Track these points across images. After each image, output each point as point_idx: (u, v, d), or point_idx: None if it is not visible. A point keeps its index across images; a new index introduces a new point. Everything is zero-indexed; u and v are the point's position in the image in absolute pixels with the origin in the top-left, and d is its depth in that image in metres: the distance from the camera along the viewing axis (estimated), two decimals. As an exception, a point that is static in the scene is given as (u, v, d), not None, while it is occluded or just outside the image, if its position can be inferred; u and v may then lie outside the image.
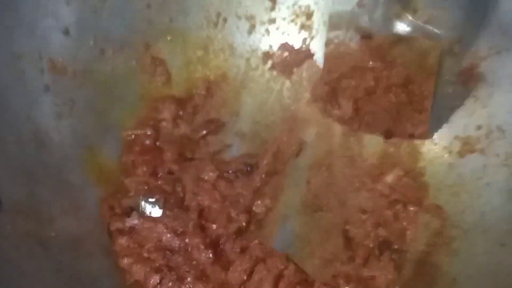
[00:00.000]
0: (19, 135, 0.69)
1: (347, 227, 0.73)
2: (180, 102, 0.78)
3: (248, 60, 0.79)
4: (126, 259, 0.68)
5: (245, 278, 0.69)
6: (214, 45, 0.78)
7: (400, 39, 0.69)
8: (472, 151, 0.72)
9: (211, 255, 0.69)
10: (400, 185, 0.73)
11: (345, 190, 0.75)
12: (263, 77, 0.79)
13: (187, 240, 0.70)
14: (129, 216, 0.71)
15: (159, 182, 0.74)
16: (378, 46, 0.69)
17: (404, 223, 0.72)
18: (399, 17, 0.69)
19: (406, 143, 0.74)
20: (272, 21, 0.77)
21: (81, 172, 0.74)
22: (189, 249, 0.70)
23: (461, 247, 0.70)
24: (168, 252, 0.70)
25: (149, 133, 0.75)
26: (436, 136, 0.74)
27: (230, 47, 0.78)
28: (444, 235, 0.71)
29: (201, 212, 0.73)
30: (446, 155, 0.73)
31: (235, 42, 0.78)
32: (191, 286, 0.68)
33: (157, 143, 0.76)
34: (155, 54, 0.78)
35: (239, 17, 0.77)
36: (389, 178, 0.74)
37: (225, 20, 0.77)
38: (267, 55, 0.78)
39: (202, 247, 0.69)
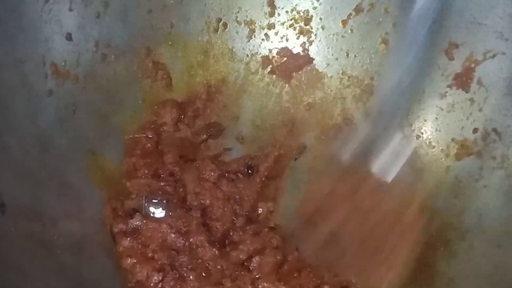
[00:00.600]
0: (23, 139, 0.70)
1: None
2: (181, 106, 0.79)
3: (247, 64, 0.80)
4: (129, 259, 0.69)
5: (244, 258, 0.69)
6: (214, 50, 0.79)
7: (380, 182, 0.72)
8: (469, 154, 0.73)
9: (216, 252, 0.70)
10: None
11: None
12: (262, 81, 0.80)
13: (191, 240, 0.70)
14: (132, 218, 0.71)
15: (161, 184, 0.74)
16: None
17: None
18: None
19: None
20: (271, 26, 0.78)
21: (84, 175, 0.74)
22: (194, 247, 0.70)
23: (458, 249, 0.71)
24: (173, 251, 0.70)
25: (150, 136, 0.76)
26: (433, 139, 0.74)
27: (230, 52, 0.79)
28: (442, 237, 0.72)
29: (204, 211, 0.73)
30: (443, 158, 0.74)
31: (235, 46, 0.79)
32: (194, 284, 0.69)
33: (159, 147, 0.77)
34: (156, 59, 0.79)
35: (239, 22, 0.78)
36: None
37: (225, 25, 0.78)
38: (266, 60, 0.79)
39: (207, 244, 0.70)
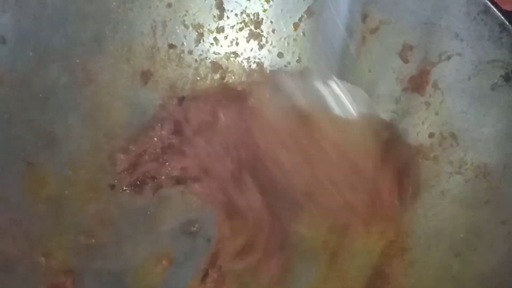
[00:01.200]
0: (-50, 149, 0.65)
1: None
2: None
3: (196, 69, 0.76)
4: None
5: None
6: (160, 55, 0.75)
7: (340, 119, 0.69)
8: (426, 159, 0.71)
9: None
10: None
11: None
12: (212, 88, 0.76)
13: None
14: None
15: None
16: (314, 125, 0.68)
17: None
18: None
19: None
20: (221, 29, 0.75)
21: (20, 187, 0.70)
22: None
23: (416, 258, 0.69)
24: None
25: None
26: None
27: (178, 57, 0.75)
28: (399, 246, 0.70)
29: None
30: (399, 164, 0.71)
31: (184, 51, 0.75)
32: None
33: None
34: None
35: (186, 26, 0.75)
36: None
37: (172, 29, 0.75)
38: (215, 65, 0.76)
39: None
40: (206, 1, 0.75)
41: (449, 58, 0.68)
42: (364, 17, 0.71)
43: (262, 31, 0.75)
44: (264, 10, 0.74)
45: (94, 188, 0.74)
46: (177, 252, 0.74)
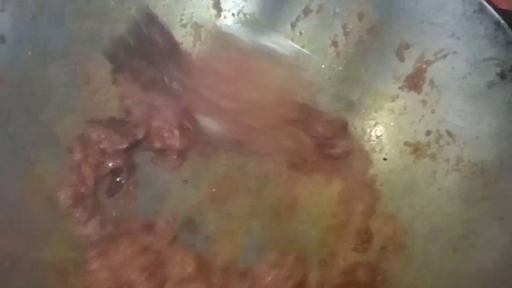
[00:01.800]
0: (-51, 147, 0.65)
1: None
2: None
3: (194, 69, 0.76)
4: None
5: None
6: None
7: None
8: (423, 157, 0.71)
9: None
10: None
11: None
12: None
13: None
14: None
15: None
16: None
17: None
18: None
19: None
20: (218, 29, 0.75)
21: (20, 186, 0.70)
22: None
23: (414, 254, 0.69)
24: None
25: None
26: (385, 142, 0.73)
27: (175, 56, 0.76)
28: (397, 242, 0.70)
29: None
30: (397, 162, 0.72)
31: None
32: None
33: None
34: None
35: (184, 26, 0.75)
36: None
37: (169, 29, 0.75)
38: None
39: None
40: (203, 1, 0.75)
41: (445, 56, 0.69)
42: (361, 16, 0.71)
43: (259, 30, 0.75)
44: (261, 10, 0.74)
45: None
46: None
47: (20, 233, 0.69)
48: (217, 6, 0.75)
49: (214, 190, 0.73)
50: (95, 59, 0.74)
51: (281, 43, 0.69)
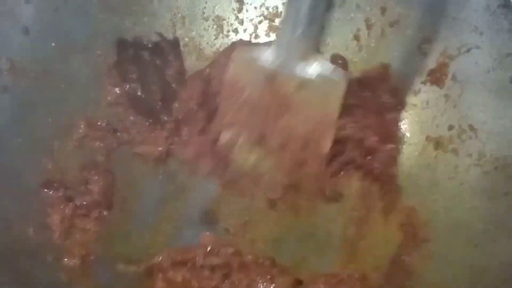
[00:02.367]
0: (-26, 137, 0.66)
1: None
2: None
3: (216, 62, 0.77)
4: None
5: None
6: (180, 48, 0.76)
7: (305, 81, 0.69)
8: (445, 152, 0.71)
9: None
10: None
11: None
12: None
13: None
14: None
15: None
16: (281, 88, 0.69)
17: None
18: (305, 58, 0.68)
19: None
20: (240, 22, 0.76)
21: (41, 176, 0.71)
22: None
23: (434, 249, 0.69)
24: None
25: None
26: (407, 137, 0.72)
27: (197, 49, 0.76)
28: (418, 237, 0.70)
29: None
30: (418, 157, 0.72)
31: (202, 44, 0.76)
32: None
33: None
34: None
35: (206, 19, 0.75)
36: None
37: (191, 22, 0.75)
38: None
39: None
40: (226, -6, 0.76)
41: (468, 51, 0.68)
42: (383, 10, 0.71)
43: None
44: (284, 3, 0.74)
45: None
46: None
47: (35, 222, 0.69)
48: (239, 0, 0.75)
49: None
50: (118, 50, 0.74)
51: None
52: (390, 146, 0.72)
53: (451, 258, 0.68)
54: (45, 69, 0.72)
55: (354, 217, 0.72)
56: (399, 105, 0.72)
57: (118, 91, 0.74)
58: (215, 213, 0.74)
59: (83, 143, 0.74)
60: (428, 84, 0.71)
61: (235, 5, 0.75)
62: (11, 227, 0.67)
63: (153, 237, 0.75)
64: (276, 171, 0.71)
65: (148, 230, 0.75)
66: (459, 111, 0.70)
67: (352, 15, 0.73)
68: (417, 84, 0.72)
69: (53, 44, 0.72)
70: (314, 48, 0.70)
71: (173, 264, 0.71)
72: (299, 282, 0.71)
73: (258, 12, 0.75)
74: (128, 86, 0.74)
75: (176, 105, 0.74)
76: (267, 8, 0.75)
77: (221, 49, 0.76)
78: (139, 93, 0.74)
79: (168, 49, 0.74)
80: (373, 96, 0.72)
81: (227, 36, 0.76)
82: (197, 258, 0.71)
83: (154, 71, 0.74)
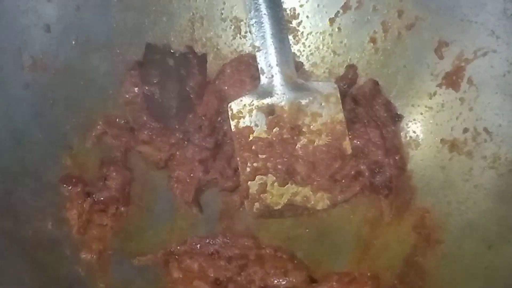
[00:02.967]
0: (-3, 132, 0.67)
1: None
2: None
3: (233, 62, 0.77)
4: None
5: None
6: (198, 47, 0.77)
7: (301, 102, 0.71)
8: (459, 154, 0.71)
9: None
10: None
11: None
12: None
13: None
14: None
15: None
16: (284, 115, 0.71)
17: None
18: (292, 80, 0.70)
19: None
20: (257, 23, 0.76)
21: (60, 171, 0.72)
22: None
23: (448, 249, 0.70)
24: None
25: None
26: (422, 139, 0.73)
27: (214, 49, 0.77)
28: (431, 238, 0.71)
29: None
30: (433, 159, 0.73)
31: (220, 44, 0.77)
32: None
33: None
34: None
35: (223, 20, 0.76)
36: None
37: (209, 22, 0.76)
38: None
39: None
40: (244, -5, 0.76)
41: (484, 54, 0.69)
42: (400, 13, 0.71)
43: (299, 25, 0.76)
44: (301, 5, 0.75)
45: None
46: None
47: (53, 216, 0.71)
48: (258, 1, 0.75)
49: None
50: (134, 48, 0.75)
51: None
52: (395, 157, 0.72)
53: (464, 259, 0.68)
54: (65, 66, 0.73)
55: (368, 217, 0.73)
56: (395, 118, 0.73)
57: (136, 90, 0.74)
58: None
59: (102, 140, 0.75)
60: (443, 87, 0.72)
61: (253, 6, 0.76)
62: (30, 221, 0.68)
63: (169, 233, 0.75)
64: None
65: (164, 226, 0.76)
66: (475, 114, 0.70)
67: (368, 17, 0.74)
68: (433, 87, 0.72)
69: (73, 42, 0.73)
70: (294, 72, 0.72)
71: (190, 252, 0.72)
72: (313, 280, 0.72)
73: (276, 13, 0.76)
74: (147, 88, 0.74)
75: (191, 116, 0.75)
76: (284, 10, 0.75)
77: (238, 50, 0.76)
78: (156, 97, 0.74)
79: (195, 62, 0.75)
80: (368, 111, 0.73)
81: (245, 36, 0.76)
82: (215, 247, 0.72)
83: (176, 79, 0.74)
